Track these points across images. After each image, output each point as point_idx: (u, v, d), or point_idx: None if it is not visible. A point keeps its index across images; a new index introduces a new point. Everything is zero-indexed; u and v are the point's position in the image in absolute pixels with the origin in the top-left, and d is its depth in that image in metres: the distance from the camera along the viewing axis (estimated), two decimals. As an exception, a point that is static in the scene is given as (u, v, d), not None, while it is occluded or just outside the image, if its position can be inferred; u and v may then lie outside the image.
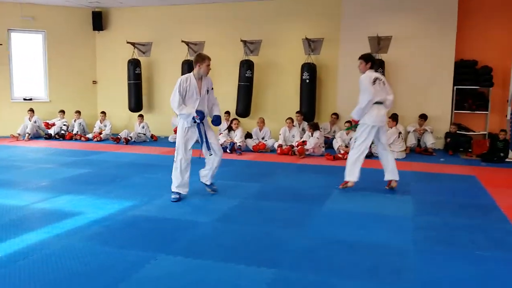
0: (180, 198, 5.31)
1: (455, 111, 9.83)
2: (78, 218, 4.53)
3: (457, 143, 9.28)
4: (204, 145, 5.44)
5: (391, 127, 8.74)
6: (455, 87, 9.73)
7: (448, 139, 9.38)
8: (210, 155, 5.48)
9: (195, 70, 5.30)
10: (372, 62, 5.82)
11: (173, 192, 5.33)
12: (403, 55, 9.94)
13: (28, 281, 3.11)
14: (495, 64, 9.54)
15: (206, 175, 5.64)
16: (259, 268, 3.37)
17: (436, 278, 3.26)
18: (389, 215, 4.84)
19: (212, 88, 5.48)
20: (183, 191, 5.35)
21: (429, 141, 9.23)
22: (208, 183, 5.66)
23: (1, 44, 11.17)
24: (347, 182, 5.86)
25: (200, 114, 5.24)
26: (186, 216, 4.70)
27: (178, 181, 5.31)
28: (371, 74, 5.76)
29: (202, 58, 5.26)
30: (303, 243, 3.95)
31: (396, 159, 8.37)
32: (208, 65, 5.29)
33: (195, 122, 5.26)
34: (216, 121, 5.51)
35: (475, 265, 3.50)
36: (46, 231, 4.12)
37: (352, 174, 5.78)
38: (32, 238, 3.93)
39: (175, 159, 5.36)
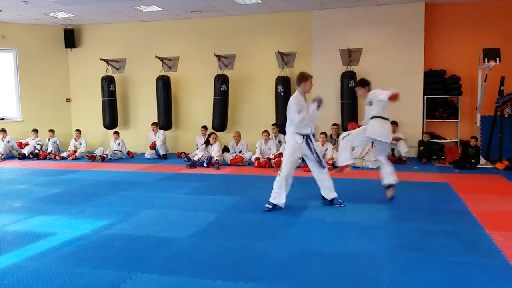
0: (271, 209, 5.46)
1: (426, 120, 10.06)
2: (51, 239, 4.44)
3: (430, 151, 9.49)
4: (314, 161, 5.60)
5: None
6: (426, 96, 9.97)
7: (421, 147, 9.58)
8: (323, 168, 5.64)
9: (300, 88, 5.48)
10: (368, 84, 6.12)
11: (269, 202, 5.51)
12: (374, 66, 10.16)
13: (-1, 306, 3.04)
14: (463, 73, 9.83)
15: (326, 193, 5.74)
16: (236, 283, 3.36)
17: (410, 284, 3.31)
18: (365, 224, 4.91)
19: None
20: (281, 203, 5.50)
21: (403, 149, 9.40)
22: (331, 197, 5.74)
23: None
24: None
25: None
26: (162, 232, 4.66)
27: (278, 194, 5.46)
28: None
29: (306, 77, 5.47)
30: (281, 255, 3.96)
31: (371, 169, 8.59)
32: (311, 82, 5.54)
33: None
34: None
35: (450, 270, 3.57)
36: (18, 254, 4.02)
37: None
38: (3, 262, 3.83)
39: (280, 173, 5.53)
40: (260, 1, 9.47)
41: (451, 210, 5.48)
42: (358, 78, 9.96)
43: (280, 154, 8.92)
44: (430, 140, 9.71)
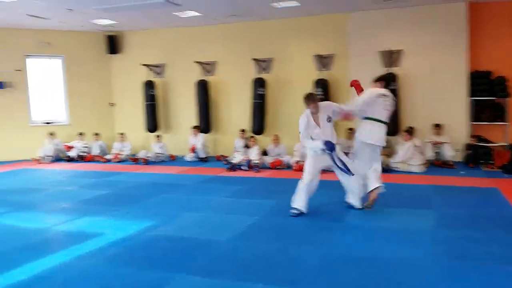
0: (299, 214, 5.43)
1: (472, 123, 9.70)
2: (98, 240, 4.59)
3: (477, 155, 9.13)
4: (338, 169, 5.56)
5: (407, 141, 8.68)
6: (471, 98, 9.64)
7: (468, 151, 9.25)
8: (350, 176, 5.55)
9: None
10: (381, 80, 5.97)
11: (294, 208, 5.48)
12: (416, 68, 9.91)
13: (51, 303, 3.17)
14: (510, 75, 9.43)
15: (355, 202, 5.69)
16: (276, 287, 3.36)
17: (457, 294, 3.21)
18: (408, 230, 4.79)
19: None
20: (301, 207, 5.47)
21: (448, 153, 9.11)
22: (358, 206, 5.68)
23: (19, 70, 11.48)
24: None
25: (329, 144, 5.39)
26: (204, 235, 4.72)
27: (302, 199, 5.47)
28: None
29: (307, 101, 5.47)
30: (321, 260, 3.93)
31: (416, 173, 8.38)
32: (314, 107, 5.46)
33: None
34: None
35: (493, 279, 3.44)
36: (67, 254, 4.18)
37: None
38: (53, 261, 3.99)
39: (303, 179, 5.54)
40: (297, 4, 9.44)
41: (500, 216, 5.26)
42: (399, 80, 9.79)
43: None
44: (477, 143, 9.36)
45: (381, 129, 5.68)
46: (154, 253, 4.21)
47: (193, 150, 10.68)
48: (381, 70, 9.95)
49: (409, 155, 8.56)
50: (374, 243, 4.38)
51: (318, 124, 5.47)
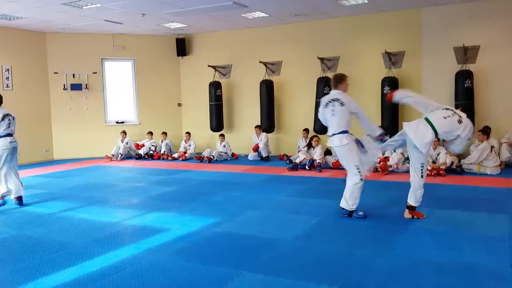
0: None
1: (556, 122, 8.96)
2: (165, 234, 4.75)
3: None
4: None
5: (482, 141, 8.18)
6: (555, 95, 8.90)
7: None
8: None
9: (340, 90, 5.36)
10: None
11: (356, 210, 5.29)
12: (493, 64, 9.31)
13: (121, 293, 3.31)
14: None
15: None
16: (342, 288, 3.29)
17: (540, 306, 2.96)
18: (482, 235, 4.50)
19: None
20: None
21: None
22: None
23: (95, 73, 12.18)
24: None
25: None
26: (266, 233, 4.73)
27: (357, 200, 5.26)
28: None
29: (342, 78, 5.40)
30: (387, 264, 3.79)
31: (490, 175, 7.88)
32: (347, 82, 5.43)
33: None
34: None
35: None
36: (137, 246, 4.36)
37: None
38: (124, 253, 4.18)
39: (358, 178, 5.20)
40: (366, 1, 9.20)
41: None
42: (475, 77, 9.25)
43: (386, 158, 8.58)
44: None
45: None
46: (218, 249, 4.28)
47: (256, 149, 10.76)
48: (456, 67, 9.49)
49: (484, 157, 8.05)
50: (445, 248, 4.15)
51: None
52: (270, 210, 5.76)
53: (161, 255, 4.10)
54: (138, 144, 11.95)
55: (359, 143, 5.37)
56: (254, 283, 3.44)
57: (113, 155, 11.56)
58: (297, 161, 9.34)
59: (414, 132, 4.96)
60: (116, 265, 3.87)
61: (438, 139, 8.63)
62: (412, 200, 5.17)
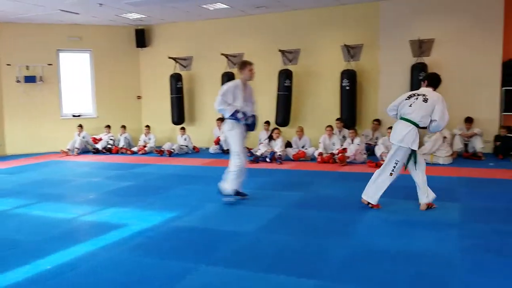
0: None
1: (503, 114, 9.39)
2: (122, 230, 4.66)
3: (507, 147, 8.85)
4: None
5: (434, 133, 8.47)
6: (504, 88, 9.31)
7: (498, 143, 8.97)
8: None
9: (241, 76, 5.73)
10: (428, 80, 5.31)
11: (228, 195, 5.62)
12: (447, 57, 9.65)
13: (75, 291, 3.23)
14: (546, 63, 9.07)
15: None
16: (299, 279, 3.33)
17: (485, 289, 3.11)
18: (434, 223, 4.67)
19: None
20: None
21: (478, 145, 8.87)
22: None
23: (50, 64, 11.75)
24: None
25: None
26: (227, 226, 4.73)
27: (235, 186, 5.66)
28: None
29: (244, 64, 5.76)
30: (344, 253, 3.88)
31: (442, 165, 8.20)
32: (250, 70, 5.73)
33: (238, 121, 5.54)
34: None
35: (529, 275, 3.32)
36: (93, 243, 4.26)
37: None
38: (79, 250, 4.07)
39: (235, 164, 5.62)
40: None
41: (532, 211, 5.07)
42: (430, 70, 9.54)
43: (345, 149, 8.75)
44: (508, 134, 9.05)
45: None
46: (177, 243, 4.24)
47: (218, 142, 10.72)
48: (411, 60, 9.76)
49: (436, 147, 8.35)
50: (399, 236, 4.28)
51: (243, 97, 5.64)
52: (230, 203, 5.75)
53: (118, 252, 4.02)
54: (95, 138, 11.65)
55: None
56: (213, 276, 3.44)
57: (69, 149, 11.22)
58: (258, 153, 9.38)
59: (399, 138, 5.05)
60: (70, 263, 3.77)
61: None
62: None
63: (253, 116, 5.73)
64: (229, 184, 5.67)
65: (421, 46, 9.62)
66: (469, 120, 9.15)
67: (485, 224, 4.58)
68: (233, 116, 5.53)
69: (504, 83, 9.31)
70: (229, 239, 4.31)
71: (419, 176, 5.24)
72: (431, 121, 5.04)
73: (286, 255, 3.86)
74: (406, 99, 5.16)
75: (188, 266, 3.63)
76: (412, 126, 5.02)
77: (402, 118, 5.15)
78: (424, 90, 5.19)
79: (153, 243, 4.27)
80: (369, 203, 5.27)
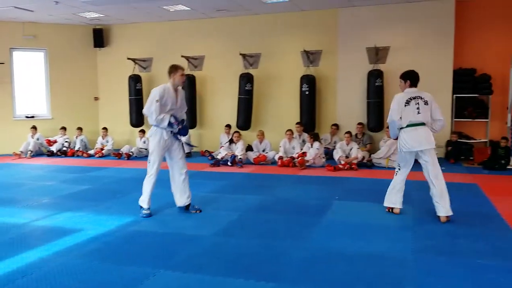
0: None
1: (455, 119, 9.82)
2: (77, 235, 4.53)
3: (458, 151, 9.26)
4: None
5: (389, 137, 8.74)
6: (455, 95, 9.74)
7: (449, 148, 9.36)
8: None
9: (171, 80, 5.37)
10: (410, 79, 5.26)
11: (145, 208, 5.31)
12: (402, 64, 9.81)
13: (27, 299, 3.11)
14: (493, 72, 9.56)
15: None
16: (258, 282, 3.35)
17: (436, 288, 3.23)
18: (389, 226, 4.82)
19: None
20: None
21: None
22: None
23: (3, 63, 11.28)
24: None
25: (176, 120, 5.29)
26: (186, 230, 4.70)
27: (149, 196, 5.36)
28: (405, 93, 5.20)
29: (175, 68, 5.33)
30: (303, 256, 3.93)
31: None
32: (182, 75, 5.36)
33: (172, 129, 5.27)
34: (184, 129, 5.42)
35: (477, 274, 3.47)
36: (45, 249, 4.11)
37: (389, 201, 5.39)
38: (31, 256, 3.92)
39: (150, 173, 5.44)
40: (286, 0, 9.42)
41: (480, 212, 5.33)
42: (385, 77, 9.85)
43: (304, 153, 8.87)
44: (459, 140, 9.48)
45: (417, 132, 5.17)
46: (134, 248, 4.17)
47: (178, 145, 10.57)
48: (368, 66, 10.04)
49: (392, 151, 8.62)
50: (356, 238, 4.39)
51: (176, 102, 5.36)
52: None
53: (72, 257, 3.90)
54: (50, 140, 11.26)
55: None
56: (171, 281, 3.40)
57: (22, 151, 10.79)
58: (219, 157, 9.36)
59: (431, 140, 5.02)
60: (22, 270, 3.62)
61: (351, 135, 9.13)
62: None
63: (183, 121, 5.40)
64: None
65: (377, 53, 9.91)
66: (422, 126, 9.46)
67: (437, 226, 4.77)
68: (170, 123, 5.20)
69: (455, 90, 9.73)
70: (188, 244, 4.27)
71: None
72: (434, 120, 5.08)
73: (245, 259, 3.87)
74: (406, 105, 5.01)
75: (146, 271, 3.57)
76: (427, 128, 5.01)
77: (415, 124, 4.99)
78: (416, 91, 5.14)
79: (110, 248, 4.17)
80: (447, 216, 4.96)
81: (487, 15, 9.72)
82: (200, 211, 5.44)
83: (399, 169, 5.38)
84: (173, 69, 5.33)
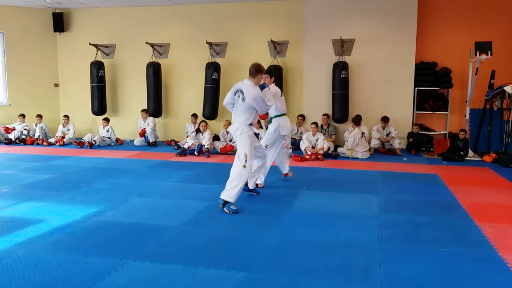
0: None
1: (416, 112, 10.12)
2: (40, 226, 4.38)
3: (419, 143, 9.55)
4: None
5: (354, 128, 8.91)
6: (416, 88, 10.02)
7: (411, 139, 9.64)
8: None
9: (255, 79, 5.31)
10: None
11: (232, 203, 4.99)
12: (366, 57, 10.16)
13: (-12, 293, 2.99)
14: (454, 66, 9.90)
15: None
16: (229, 271, 3.36)
17: (402, 275, 3.33)
18: (355, 214, 4.92)
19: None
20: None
21: (396, 143, 9.42)
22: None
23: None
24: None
25: None
26: (153, 220, 4.63)
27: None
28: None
29: (261, 71, 5.39)
30: (272, 245, 3.96)
31: (361, 159, 8.64)
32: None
33: None
34: None
35: (440, 261, 3.60)
36: (6, 240, 3.96)
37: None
38: (-9, 248, 3.77)
39: (245, 165, 5.05)
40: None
41: (441, 202, 5.52)
42: (350, 69, 9.99)
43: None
44: (420, 132, 9.77)
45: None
46: (100, 239, 4.07)
47: (143, 134, 10.41)
48: (333, 58, 10.15)
49: (356, 142, 8.78)
50: (323, 227, 4.46)
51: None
52: (158, 197, 5.64)
53: (36, 248, 3.77)
54: (8, 127, 10.80)
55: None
56: (140, 272, 3.35)
57: (-23, 139, 10.32)
58: (186, 146, 9.26)
59: None
60: (-19, 262, 3.48)
61: (316, 125, 9.24)
62: None
63: None
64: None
65: (343, 45, 10.04)
66: (385, 119, 9.69)
67: (400, 215, 4.91)
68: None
69: (416, 83, 10.01)
70: (156, 234, 4.22)
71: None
72: None
73: (215, 249, 3.87)
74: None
75: (114, 262, 3.50)
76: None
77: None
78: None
79: (74, 239, 4.06)
80: None
81: (449, 10, 10.03)
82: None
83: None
84: (260, 70, 5.34)
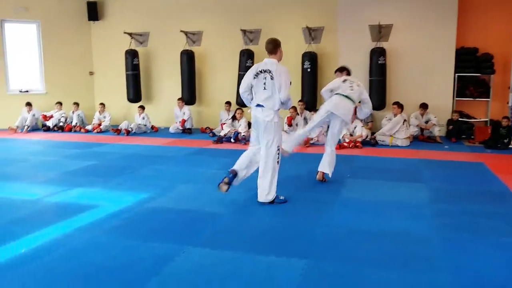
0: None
1: (456, 99, 9.86)
2: (95, 211, 4.46)
3: (459, 130, 9.33)
4: None
5: (396, 114, 8.76)
6: (457, 74, 9.75)
7: (451, 126, 9.42)
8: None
9: (277, 55, 4.94)
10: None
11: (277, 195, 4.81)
12: (404, 43, 9.93)
13: (57, 277, 3.05)
14: (496, 51, 9.58)
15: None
16: (290, 258, 3.34)
17: (466, 266, 3.26)
18: (406, 203, 4.84)
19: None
20: None
21: (436, 130, 9.19)
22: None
23: (-5, 35, 10.93)
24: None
25: None
26: (204, 207, 4.65)
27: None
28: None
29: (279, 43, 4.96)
30: (326, 233, 3.93)
31: (400, 147, 8.50)
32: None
33: None
34: None
35: (503, 252, 3.51)
36: (66, 225, 4.04)
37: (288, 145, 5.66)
38: (53, 232, 3.85)
39: (278, 160, 4.80)
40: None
41: (492, 191, 5.39)
42: (388, 55, 9.79)
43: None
44: (460, 119, 9.54)
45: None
46: (156, 225, 4.11)
47: (183, 123, 10.41)
48: (370, 44, 9.95)
49: (397, 129, 8.64)
50: (375, 215, 4.40)
51: None
52: (203, 184, 5.66)
53: (96, 234, 3.84)
54: (46, 115, 11.02)
55: None
56: (202, 258, 3.37)
57: (17, 126, 10.55)
58: (222, 134, 9.28)
59: (337, 109, 5.49)
60: (46, 246, 3.56)
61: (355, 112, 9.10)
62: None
63: None
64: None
65: (380, 31, 9.82)
66: (424, 106, 9.47)
67: (452, 205, 4.79)
68: None
69: (457, 69, 9.74)
70: (209, 221, 4.23)
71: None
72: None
73: (270, 236, 3.87)
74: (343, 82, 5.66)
75: (174, 247, 3.53)
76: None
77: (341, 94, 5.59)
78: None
79: (131, 225, 4.12)
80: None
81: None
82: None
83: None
84: (279, 44, 4.92)
